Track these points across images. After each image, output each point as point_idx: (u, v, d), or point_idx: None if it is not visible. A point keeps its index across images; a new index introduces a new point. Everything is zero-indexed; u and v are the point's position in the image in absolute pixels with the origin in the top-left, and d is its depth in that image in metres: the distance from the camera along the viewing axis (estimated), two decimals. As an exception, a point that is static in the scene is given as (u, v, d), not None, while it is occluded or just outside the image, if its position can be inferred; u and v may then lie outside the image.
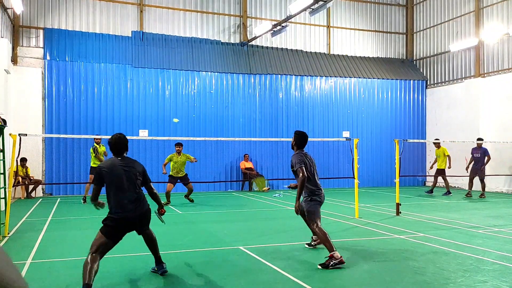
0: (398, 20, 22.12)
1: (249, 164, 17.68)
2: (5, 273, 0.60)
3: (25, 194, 14.79)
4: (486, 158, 15.18)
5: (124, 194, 5.07)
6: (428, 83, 21.21)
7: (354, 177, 10.70)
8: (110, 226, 5.04)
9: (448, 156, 16.02)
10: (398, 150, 11.06)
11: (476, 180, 15.64)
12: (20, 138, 8.73)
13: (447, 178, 16.35)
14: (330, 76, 19.73)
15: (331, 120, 19.58)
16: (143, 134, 16.70)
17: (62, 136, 12.28)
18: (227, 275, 5.59)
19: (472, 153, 15.52)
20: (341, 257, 5.92)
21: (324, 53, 20.55)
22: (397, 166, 11.23)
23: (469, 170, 15.55)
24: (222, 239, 7.79)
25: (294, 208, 6.26)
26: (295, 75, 19.18)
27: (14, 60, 15.50)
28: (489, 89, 17.89)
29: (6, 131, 9.88)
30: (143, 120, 16.93)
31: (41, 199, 14.53)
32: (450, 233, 8.47)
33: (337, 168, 19.22)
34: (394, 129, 20.43)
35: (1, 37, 13.56)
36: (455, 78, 19.78)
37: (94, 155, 13.22)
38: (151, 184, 5.50)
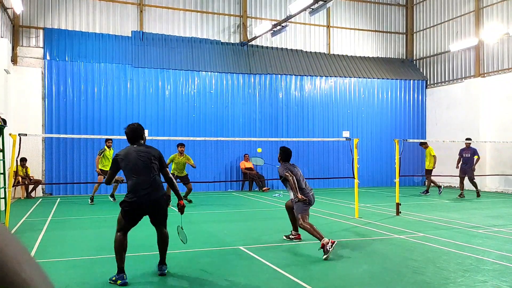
0: (398, 20, 22.12)
1: (249, 164, 17.68)
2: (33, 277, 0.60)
3: (25, 194, 14.79)
4: (475, 158, 15.02)
5: (138, 179, 5.19)
6: (428, 83, 21.22)
7: (354, 177, 10.70)
8: (124, 209, 5.27)
9: (434, 156, 15.99)
10: (398, 150, 11.06)
11: (468, 181, 15.42)
12: (20, 138, 8.73)
13: (433, 178, 16.33)
14: (330, 76, 19.73)
15: (331, 120, 19.57)
16: (143, 134, 16.67)
17: (62, 136, 12.31)
18: (227, 275, 5.59)
19: (461, 154, 15.33)
20: (329, 240, 6.46)
21: (324, 53, 20.55)
22: (397, 166, 11.23)
23: (458, 170, 15.37)
24: (222, 239, 7.79)
25: (295, 200, 7.08)
26: (295, 75, 19.18)
27: (14, 60, 15.50)
28: (489, 89, 17.89)
29: (6, 131, 9.89)
30: (143, 120, 16.90)
31: (41, 199, 14.53)
32: (450, 233, 8.47)
33: (337, 168, 19.22)
34: (394, 129, 20.43)
35: (1, 37, 13.56)
36: (455, 78, 19.78)
37: (99, 156, 13.18)
38: (167, 169, 5.56)
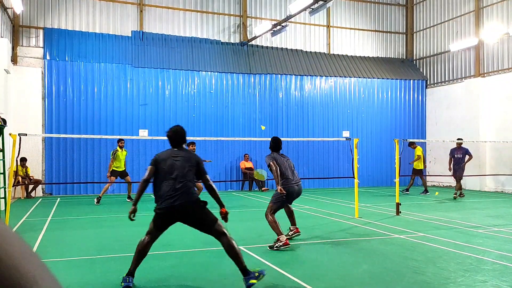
0: (398, 20, 22.11)
1: (249, 164, 17.69)
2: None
3: (25, 194, 14.79)
4: (467, 157, 14.74)
5: (169, 184, 5.01)
6: (428, 83, 21.21)
7: (354, 177, 10.70)
8: (156, 213, 5.10)
9: (419, 156, 15.98)
10: (398, 150, 11.06)
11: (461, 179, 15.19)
12: (20, 138, 8.73)
13: (420, 179, 16.27)
14: (330, 76, 19.73)
15: (331, 120, 19.57)
16: (143, 134, 16.70)
17: (62, 136, 12.29)
18: (227, 275, 5.59)
19: (452, 154, 15.03)
20: (286, 240, 6.88)
21: (324, 53, 20.54)
22: (397, 165, 11.23)
23: (451, 171, 15.09)
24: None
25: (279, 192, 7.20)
26: (295, 75, 19.17)
27: (14, 60, 15.50)
28: (489, 89, 17.89)
29: (6, 131, 9.89)
30: (143, 119, 16.93)
31: (41, 199, 14.52)
32: (450, 232, 8.47)
33: (337, 167, 19.21)
34: (394, 129, 20.43)
35: (1, 36, 13.56)
36: (455, 78, 19.78)
37: (112, 158, 13.15)
38: (207, 176, 5.25)
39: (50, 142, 15.95)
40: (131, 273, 5.06)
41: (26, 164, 14.70)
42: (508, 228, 8.98)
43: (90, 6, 17.18)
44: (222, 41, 18.87)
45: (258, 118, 18.52)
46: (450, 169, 15.15)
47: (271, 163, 7.38)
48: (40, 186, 15.42)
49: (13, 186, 8.95)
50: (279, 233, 6.95)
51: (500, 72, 17.64)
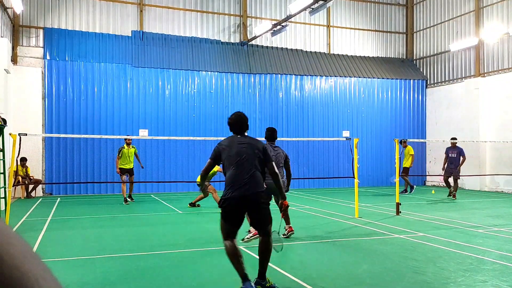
0: (398, 20, 22.11)
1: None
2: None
3: (25, 194, 14.79)
4: (461, 158, 14.55)
5: (238, 172, 4.76)
6: (428, 83, 21.21)
7: (354, 177, 10.70)
8: (223, 208, 4.82)
9: (412, 155, 15.95)
10: (398, 149, 11.06)
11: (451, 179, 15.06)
12: (20, 137, 8.73)
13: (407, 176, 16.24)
14: (330, 76, 19.72)
15: (331, 120, 19.57)
16: (143, 133, 16.70)
17: (62, 135, 12.30)
18: (227, 275, 5.59)
19: (447, 153, 14.90)
20: (255, 231, 6.74)
21: (324, 52, 20.54)
22: (397, 165, 11.23)
23: (444, 170, 14.92)
24: (221, 238, 7.78)
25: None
26: (295, 74, 19.17)
27: (14, 59, 15.50)
28: (489, 88, 17.89)
29: (6, 130, 9.88)
30: (143, 119, 16.93)
31: (41, 199, 14.53)
32: (450, 232, 8.47)
33: (337, 167, 19.21)
34: (394, 129, 20.42)
35: (1, 36, 13.56)
36: (455, 77, 19.78)
37: (118, 156, 13.08)
38: (273, 163, 5.02)
39: (50, 142, 15.94)
40: (245, 278, 4.69)
41: (26, 164, 14.70)
42: (508, 228, 8.98)
43: (90, 6, 17.17)
44: (222, 41, 18.87)
45: (258, 118, 18.51)
46: (443, 169, 14.97)
47: None
48: (40, 186, 15.42)
49: (13, 186, 8.96)
50: (250, 224, 7.15)
51: (500, 72, 17.64)
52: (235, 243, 4.80)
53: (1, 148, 9.93)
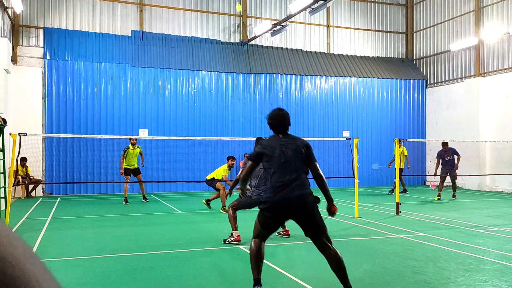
0: (398, 20, 22.11)
1: (249, 164, 17.66)
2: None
3: (25, 194, 14.79)
4: (457, 157, 14.36)
5: (280, 175, 4.43)
6: (428, 83, 21.21)
7: (354, 177, 10.70)
8: (262, 211, 4.52)
9: (406, 156, 15.83)
10: (398, 149, 11.06)
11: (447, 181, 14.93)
12: (20, 137, 8.73)
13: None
14: (330, 76, 19.72)
15: (331, 120, 19.57)
16: (143, 133, 16.69)
17: (62, 135, 12.30)
18: (227, 275, 5.59)
19: (441, 157, 14.40)
20: (238, 236, 7.26)
21: (324, 52, 20.54)
22: (396, 165, 11.23)
23: (437, 175, 14.50)
24: (222, 239, 7.78)
25: None
26: (295, 74, 19.17)
27: (14, 59, 15.50)
28: (489, 88, 17.89)
29: (6, 130, 9.88)
30: (143, 119, 16.93)
31: (41, 199, 14.53)
32: (450, 232, 8.47)
33: (337, 167, 19.21)
34: (394, 129, 20.42)
35: (1, 36, 13.55)
36: (455, 77, 19.77)
37: (123, 156, 13.05)
38: (317, 163, 4.57)
39: (50, 142, 15.94)
40: (257, 282, 4.50)
41: (26, 164, 14.70)
42: (508, 228, 8.98)
43: (90, 6, 17.17)
44: (222, 41, 18.87)
45: (258, 118, 18.51)
46: (435, 174, 14.49)
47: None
48: (40, 186, 15.42)
49: (13, 186, 8.96)
50: (233, 228, 7.35)
51: (500, 71, 17.64)
52: (262, 245, 4.55)
53: (1, 148, 9.93)
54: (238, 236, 7.30)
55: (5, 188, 8.91)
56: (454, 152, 14.47)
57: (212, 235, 8.27)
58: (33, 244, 7.35)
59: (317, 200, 4.46)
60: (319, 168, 4.56)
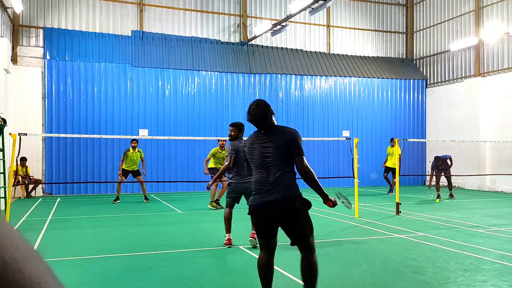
0: (398, 20, 22.11)
1: (249, 164, 17.67)
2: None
3: (25, 194, 14.79)
4: (450, 162, 14.26)
5: (261, 176, 4.00)
6: (428, 83, 21.21)
7: (354, 177, 10.70)
8: (251, 217, 4.16)
9: (399, 155, 15.76)
10: (398, 149, 11.06)
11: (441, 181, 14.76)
12: (20, 137, 8.73)
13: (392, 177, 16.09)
14: (330, 76, 19.72)
15: (331, 120, 19.57)
16: (143, 133, 16.69)
17: (62, 135, 12.32)
18: (227, 274, 5.59)
19: (435, 168, 14.17)
20: (228, 240, 7.07)
21: (324, 52, 20.54)
22: (397, 165, 11.23)
23: (431, 182, 14.26)
24: (222, 239, 7.78)
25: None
26: (295, 74, 19.17)
27: (14, 59, 15.50)
28: (489, 88, 17.89)
29: (6, 130, 9.88)
30: (143, 119, 16.93)
31: (41, 199, 14.53)
32: (450, 232, 8.47)
33: (337, 167, 19.21)
34: (394, 129, 20.42)
35: (1, 36, 13.56)
36: (455, 77, 19.78)
37: (122, 158, 13.07)
38: (303, 157, 3.95)
39: (50, 141, 15.94)
40: None
41: (26, 164, 14.69)
42: (508, 228, 8.98)
43: (90, 6, 17.17)
44: (222, 40, 18.87)
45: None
46: (430, 186, 14.27)
47: (228, 156, 6.86)
48: (40, 185, 15.42)
49: (13, 186, 8.95)
50: (226, 230, 7.12)
51: (500, 71, 17.64)
52: (267, 259, 4.12)
53: (1, 148, 9.93)
54: (229, 240, 7.06)
55: (5, 188, 8.91)
56: (447, 159, 14.32)
57: (212, 235, 8.27)
58: (33, 244, 7.33)
59: (307, 204, 3.91)
60: (305, 162, 3.93)
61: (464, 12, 19.18)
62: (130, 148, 13.07)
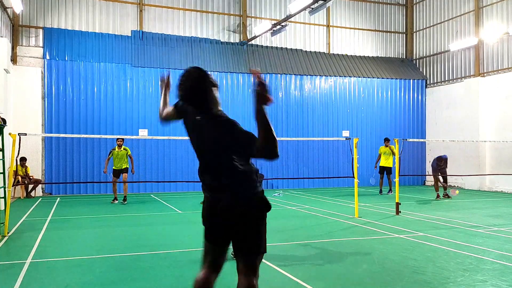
0: (398, 20, 22.11)
1: (248, 164, 17.67)
2: None
3: (25, 194, 14.78)
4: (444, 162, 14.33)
5: (203, 171, 3.12)
6: (427, 83, 21.21)
7: (354, 177, 10.70)
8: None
9: (394, 155, 15.81)
10: (398, 149, 11.06)
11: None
12: (20, 137, 8.72)
13: (388, 177, 16.08)
14: (330, 76, 19.72)
15: (330, 120, 19.57)
16: (143, 133, 16.69)
17: (61, 135, 12.30)
18: (226, 274, 5.58)
19: (438, 165, 14.24)
20: None
21: (324, 52, 20.54)
22: (396, 165, 11.23)
23: (437, 184, 14.34)
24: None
25: None
26: (294, 74, 19.17)
27: (13, 59, 15.49)
28: (489, 88, 17.89)
29: (5, 130, 9.87)
30: (142, 119, 16.93)
31: (40, 199, 14.52)
32: (449, 232, 8.47)
33: (336, 167, 19.21)
34: (393, 129, 20.42)
35: (1, 36, 13.56)
36: (454, 77, 19.78)
37: (108, 157, 13.16)
38: (256, 148, 2.87)
39: (49, 141, 15.94)
40: None
41: (26, 164, 14.69)
42: (508, 228, 8.98)
43: (90, 6, 17.17)
44: (222, 40, 18.87)
45: (258, 117, 18.48)
46: (437, 189, 14.33)
47: None
48: (39, 185, 15.42)
49: (12, 186, 8.95)
50: None
51: (499, 71, 17.64)
52: (207, 275, 3.06)
53: (1, 148, 9.92)
54: None
55: (4, 188, 8.91)
56: (447, 159, 14.42)
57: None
58: (32, 244, 7.35)
59: (263, 209, 3.07)
60: (259, 143, 2.87)
61: (464, 12, 19.18)
62: (116, 146, 13.11)
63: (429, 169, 20.36)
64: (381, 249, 6.99)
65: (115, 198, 13.36)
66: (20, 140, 8.73)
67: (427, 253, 6.72)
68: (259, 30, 17.92)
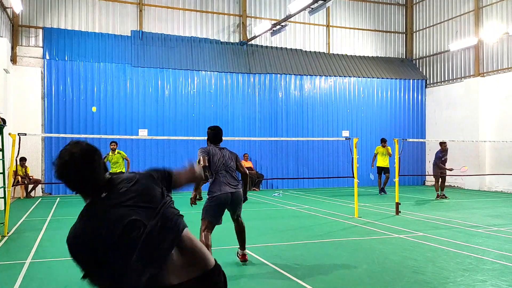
0: (398, 20, 22.11)
1: (248, 164, 17.67)
2: None
3: (25, 194, 14.78)
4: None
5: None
6: (427, 83, 21.22)
7: (353, 177, 10.70)
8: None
9: (390, 155, 15.74)
10: (398, 149, 11.06)
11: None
12: (20, 137, 8.72)
13: (386, 176, 16.03)
14: (330, 76, 19.73)
15: (330, 120, 19.57)
16: (143, 133, 16.69)
17: (61, 135, 12.29)
18: (226, 275, 5.58)
19: (441, 157, 14.30)
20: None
21: (324, 52, 20.54)
22: (396, 165, 11.23)
23: (448, 170, 14.27)
24: (221, 239, 7.78)
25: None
26: (294, 74, 19.17)
27: (13, 59, 15.49)
28: (489, 88, 17.89)
29: (5, 130, 9.87)
30: (142, 119, 16.93)
31: (40, 199, 14.52)
32: (449, 232, 8.48)
33: (336, 167, 19.22)
34: (393, 129, 20.42)
35: (1, 36, 13.55)
36: (454, 77, 19.78)
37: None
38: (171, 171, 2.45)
39: (49, 141, 15.94)
40: None
41: (26, 164, 14.69)
42: (508, 228, 8.99)
43: (90, 6, 17.17)
44: (221, 40, 18.87)
45: (257, 118, 18.51)
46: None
47: (200, 157, 5.91)
48: (39, 185, 15.41)
49: (12, 186, 8.95)
50: None
51: (499, 71, 17.65)
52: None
53: (1, 148, 9.92)
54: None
55: (4, 188, 8.90)
56: (446, 144, 14.41)
57: (212, 235, 8.25)
58: (32, 244, 7.35)
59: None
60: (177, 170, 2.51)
61: (463, 12, 19.18)
62: (110, 151, 13.07)
63: (429, 169, 20.37)
64: (381, 249, 6.99)
65: None
66: (20, 140, 8.72)
67: (427, 253, 6.72)
68: (259, 30, 17.92)
